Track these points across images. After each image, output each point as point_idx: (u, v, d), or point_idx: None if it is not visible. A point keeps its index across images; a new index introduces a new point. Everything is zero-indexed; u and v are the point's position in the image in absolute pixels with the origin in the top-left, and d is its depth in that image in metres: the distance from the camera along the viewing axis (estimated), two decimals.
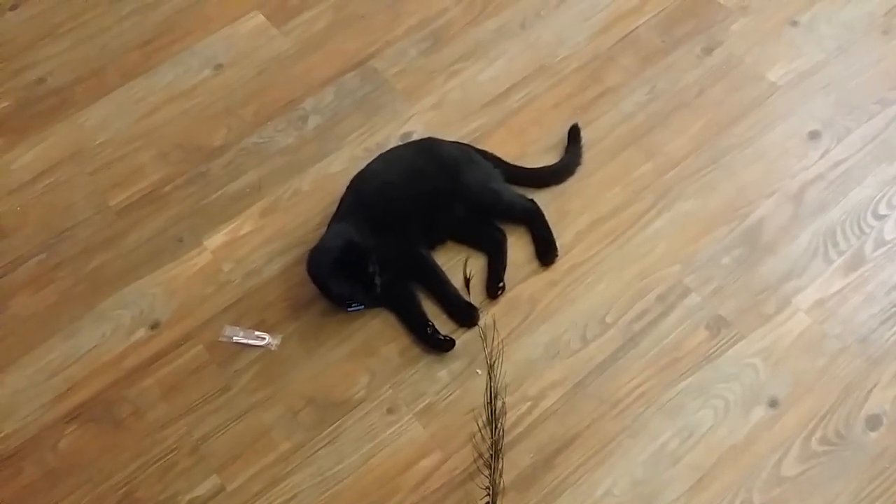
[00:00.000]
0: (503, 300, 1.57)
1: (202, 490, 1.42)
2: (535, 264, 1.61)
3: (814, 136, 1.72)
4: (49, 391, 1.56)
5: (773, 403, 1.42)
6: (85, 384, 1.56)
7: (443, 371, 1.50)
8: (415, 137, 1.78)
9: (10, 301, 1.68)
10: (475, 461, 1.38)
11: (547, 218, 1.64)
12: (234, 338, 1.58)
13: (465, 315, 1.56)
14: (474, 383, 1.48)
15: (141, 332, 1.61)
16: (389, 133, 1.82)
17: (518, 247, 1.63)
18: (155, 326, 1.62)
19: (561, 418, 1.43)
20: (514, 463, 1.39)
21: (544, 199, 1.67)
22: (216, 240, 1.72)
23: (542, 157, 1.74)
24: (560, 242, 1.62)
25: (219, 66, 1.97)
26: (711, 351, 1.48)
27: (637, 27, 1.91)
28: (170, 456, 1.46)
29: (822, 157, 1.70)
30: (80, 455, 1.48)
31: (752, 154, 1.71)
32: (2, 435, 1.51)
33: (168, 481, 1.43)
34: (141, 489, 1.43)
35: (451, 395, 1.48)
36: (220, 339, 1.58)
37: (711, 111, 1.78)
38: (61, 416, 1.52)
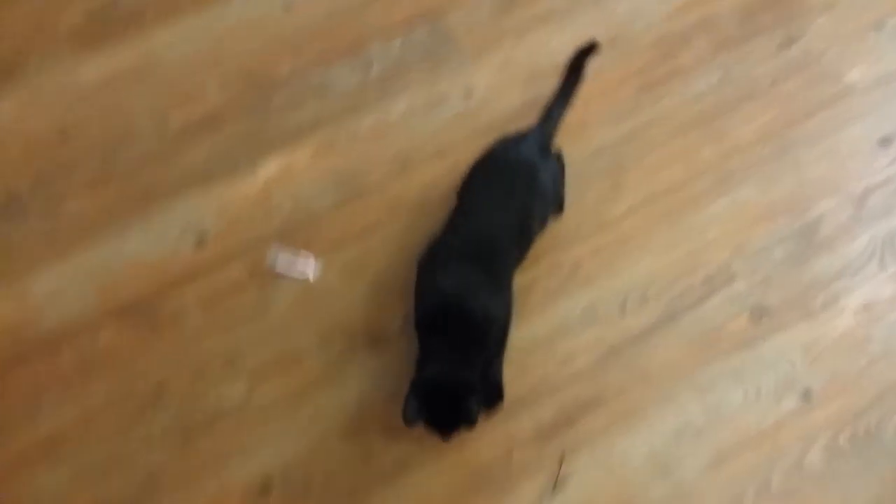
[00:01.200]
0: (545, 261, 1.61)
1: (230, 398, 1.49)
2: (583, 229, 1.65)
3: (885, 142, 1.73)
4: (94, 288, 1.64)
5: (807, 396, 1.44)
6: (128, 286, 1.63)
7: None
8: (475, 96, 1.83)
9: (66, 199, 1.76)
10: None
11: (600, 187, 1.69)
12: (277, 264, 1.65)
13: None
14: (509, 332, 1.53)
15: (187, 246, 1.68)
16: (450, 89, 1.86)
17: (567, 212, 1.67)
18: (201, 242, 1.69)
19: (589, 380, 1.48)
20: (536, 415, 1.44)
21: (600, 168, 1.72)
22: (269, 168, 1.78)
23: (602, 129, 1.78)
24: (612, 214, 1.67)
25: (290, 4, 2.04)
26: (751, 337, 1.51)
27: (717, 11, 1.93)
28: (203, 364, 1.53)
29: (891, 163, 1.71)
30: (117, 351, 1.56)
31: (820, 152, 1.73)
32: (45, 322, 1.59)
33: (199, 387, 1.50)
34: (172, 390, 1.50)
35: None
36: (264, 261, 1.65)
37: (783, 104, 1.80)
38: (103, 314, 1.60)
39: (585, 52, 1.62)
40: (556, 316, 1.55)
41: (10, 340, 1.58)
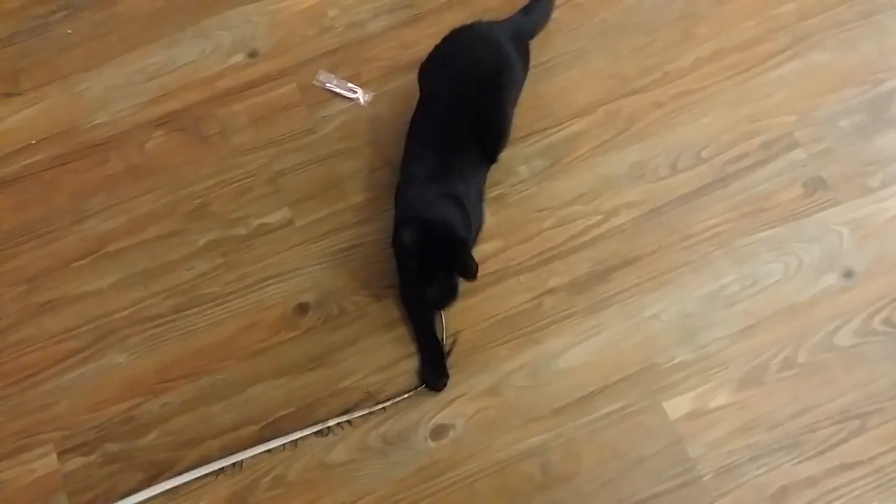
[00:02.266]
0: (600, 111, 1.49)
1: (272, 219, 1.44)
2: (644, 79, 1.51)
3: None
4: (143, 93, 1.56)
5: (848, 274, 1.36)
6: (178, 94, 1.56)
7: (523, 166, 1.46)
8: None
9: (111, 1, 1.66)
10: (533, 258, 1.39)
11: (668, 35, 1.53)
12: (328, 84, 1.55)
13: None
14: (551, 185, 1.44)
15: (239, 58, 1.58)
16: None
17: (630, 59, 1.53)
18: (253, 55, 1.58)
19: (628, 238, 1.40)
20: (572, 267, 1.38)
21: (672, 14, 1.54)
22: None
23: None
24: (677, 66, 1.51)
25: None
26: (801, 209, 1.40)
27: None
28: (248, 180, 1.47)
29: None
30: (164, 159, 1.50)
31: None
32: (94, 123, 1.53)
33: (242, 203, 1.45)
34: (216, 203, 1.46)
35: (525, 190, 1.44)
36: (313, 82, 1.55)
37: None
38: (152, 120, 1.53)
39: None
40: (604, 169, 1.44)
41: (62, 140, 1.53)
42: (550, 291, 1.37)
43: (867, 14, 1.54)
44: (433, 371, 1.32)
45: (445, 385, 1.31)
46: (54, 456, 1.28)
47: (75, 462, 1.28)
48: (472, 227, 1.33)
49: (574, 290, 1.36)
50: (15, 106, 1.57)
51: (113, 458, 1.28)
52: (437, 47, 1.44)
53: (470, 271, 1.25)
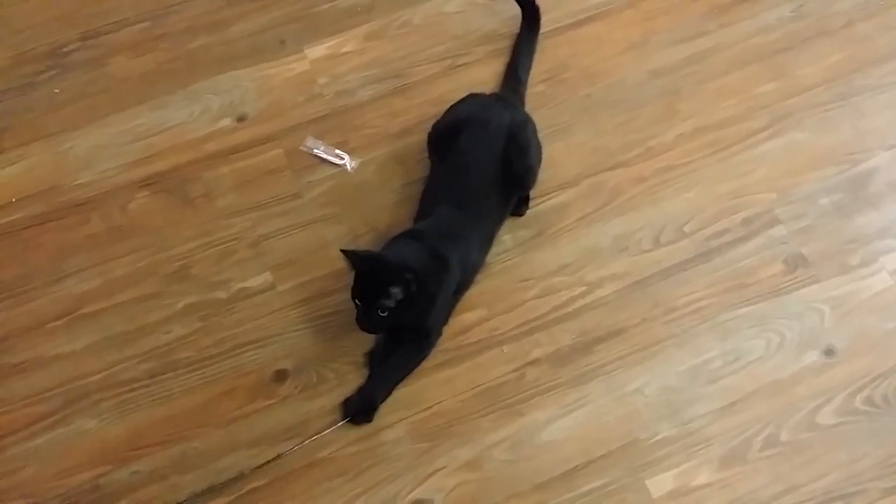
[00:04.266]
0: (585, 183, 1.52)
1: (254, 283, 1.44)
2: (629, 153, 1.54)
3: None
4: (129, 154, 1.57)
5: (829, 352, 1.37)
6: (164, 156, 1.57)
7: (507, 236, 1.48)
8: None
9: (110, 60, 1.68)
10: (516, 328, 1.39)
11: (652, 110, 1.58)
12: (315, 150, 1.57)
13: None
14: (536, 255, 1.46)
15: (227, 122, 1.61)
16: None
17: (614, 134, 1.57)
18: (242, 119, 1.61)
19: (612, 310, 1.41)
20: (555, 339, 1.38)
21: (655, 91, 1.59)
22: (317, 51, 1.68)
23: (664, 50, 1.65)
24: (660, 141, 1.55)
25: None
26: (782, 286, 1.42)
27: None
28: (231, 244, 1.48)
29: None
30: (146, 221, 1.51)
31: (886, 101, 1.59)
32: (77, 183, 1.54)
33: (224, 266, 1.46)
34: (197, 267, 1.46)
35: (509, 260, 1.46)
36: (300, 147, 1.57)
37: (855, 46, 1.64)
38: (136, 181, 1.54)
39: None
40: (589, 241, 1.46)
41: (44, 199, 1.53)
42: (534, 362, 1.37)
43: (845, 96, 1.60)
44: (361, 404, 1.32)
45: (367, 421, 1.32)
46: None
47: None
48: (445, 268, 1.32)
49: (557, 362, 1.37)
50: (4, 161, 1.58)
51: None
52: (448, 112, 1.49)
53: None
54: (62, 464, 1.29)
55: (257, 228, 1.49)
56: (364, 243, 1.47)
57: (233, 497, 1.26)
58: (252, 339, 1.39)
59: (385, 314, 1.25)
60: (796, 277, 1.43)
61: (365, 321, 1.28)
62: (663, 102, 1.59)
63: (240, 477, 1.27)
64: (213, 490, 1.26)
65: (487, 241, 1.44)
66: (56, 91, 1.64)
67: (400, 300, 1.24)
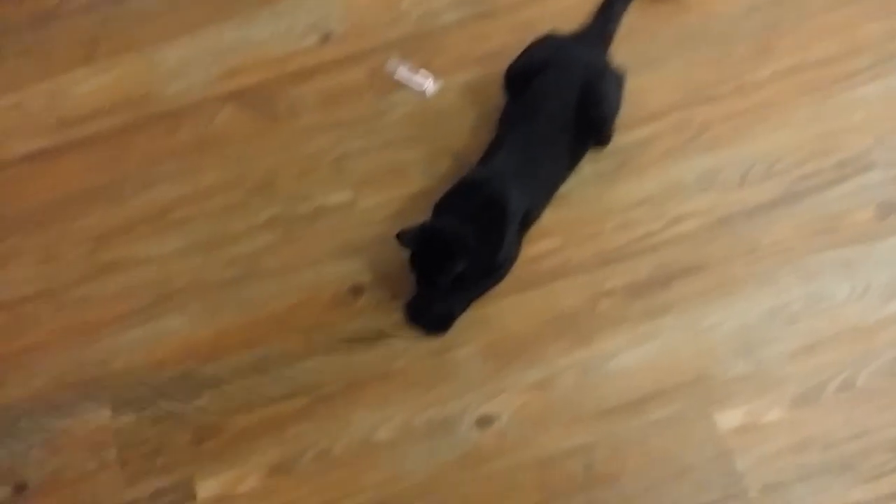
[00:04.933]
0: (672, 117, 1.53)
1: (334, 199, 1.51)
2: (720, 89, 1.54)
3: None
4: (216, 67, 1.65)
5: None
6: (250, 71, 1.64)
7: (589, 166, 1.50)
8: None
9: None
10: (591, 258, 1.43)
11: (747, 47, 1.57)
12: (398, 71, 1.61)
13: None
14: (617, 187, 1.48)
15: (312, 39, 1.66)
16: None
17: (706, 68, 1.57)
18: (326, 38, 1.66)
19: (693, 246, 1.43)
20: (633, 270, 1.42)
21: (751, 27, 1.59)
22: None
23: None
24: (754, 77, 1.55)
25: None
26: (873, 232, 1.42)
27: None
28: (313, 160, 1.55)
29: None
30: (232, 133, 1.59)
31: None
32: (167, 93, 1.63)
33: (306, 181, 1.53)
34: (280, 180, 1.53)
35: (589, 190, 1.48)
36: (383, 67, 1.62)
37: None
38: (223, 94, 1.62)
39: None
40: (672, 175, 1.48)
41: (134, 108, 1.63)
42: (607, 293, 1.40)
43: None
44: (439, 315, 1.40)
45: (443, 332, 1.39)
46: (108, 411, 1.36)
47: (127, 418, 1.36)
48: (512, 211, 1.37)
49: (632, 294, 1.40)
50: (91, 71, 1.67)
51: (164, 417, 1.35)
52: (524, 53, 1.51)
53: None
54: (151, 358, 1.40)
55: (338, 146, 1.56)
56: (441, 167, 1.52)
57: (309, 399, 1.35)
58: (331, 253, 1.46)
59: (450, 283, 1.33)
60: (888, 224, 1.43)
61: (428, 295, 1.38)
62: (760, 37, 1.58)
63: (316, 382, 1.37)
64: (292, 392, 1.36)
65: (552, 187, 1.46)
66: (147, 2, 1.73)
67: (462, 268, 1.32)
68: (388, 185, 1.52)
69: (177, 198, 1.52)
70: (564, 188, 1.48)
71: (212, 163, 1.56)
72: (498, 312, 1.40)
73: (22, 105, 1.65)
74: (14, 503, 1.32)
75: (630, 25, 1.60)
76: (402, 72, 1.61)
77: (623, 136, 1.52)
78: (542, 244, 1.45)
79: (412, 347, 1.38)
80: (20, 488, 1.33)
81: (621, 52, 1.57)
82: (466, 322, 1.40)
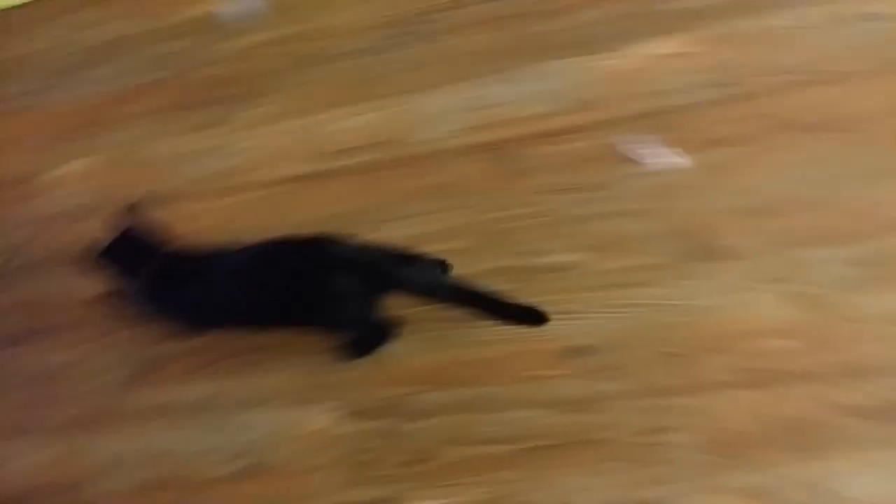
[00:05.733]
0: None
1: (565, 258, 1.47)
2: None
3: None
4: (469, 120, 1.69)
5: None
6: (500, 127, 1.66)
7: (843, 269, 1.34)
8: None
9: (470, 31, 1.81)
10: None
11: None
12: (638, 146, 1.57)
13: None
14: (871, 296, 1.30)
15: (569, 103, 1.66)
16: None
17: None
18: (583, 103, 1.65)
19: None
20: (882, 388, 1.23)
21: None
22: (652, 48, 1.68)
23: None
24: None
25: None
26: None
27: None
28: (547, 218, 1.53)
29: None
30: (474, 182, 1.61)
31: None
32: (419, 138, 1.68)
33: (539, 238, 1.51)
34: (514, 233, 1.53)
35: (839, 293, 1.33)
36: (620, 140, 1.58)
37: None
38: (471, 145, 1.65)
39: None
40: None
41: (388, 148, 1.69)
42: (847, 409, 1.25)
43: None
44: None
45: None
46: (338, 415, 1.40)
47: (354, 426, 1.39)
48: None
49: (877, 416, 1.24)
50: (353, 111, 1.76)
51: (383, 433, 1.38)
52: None
53: None
54: (379, 376, 1.43)
55: (572, 209, 1.53)
56: (672, 244, 1.44)
57: (516, 448, 1.33)
58: (556, 309, 1.43)
59: None
60: None
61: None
62: None
63: (524, 433, 1.33)
64: (500, 438, 1.34)
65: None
66: (416, 53, 1.80)
67: None
68: (618, 254, 1.48)
69: (417, 234, 1.55)
70: (816, 289, 1.34)
71: (450, 207, 1.58)
72: (720, 404, 1.31)
73: (293, 132, 1.76)
74: (242, 479, 1.39)
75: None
76: (645, 145, 1.57)
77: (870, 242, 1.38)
78: (777, 342, 1.33)
79: (625, 421, 1.32)
80: (251, 467, 1.40)
81: None
82: (683, 407, 1.31)
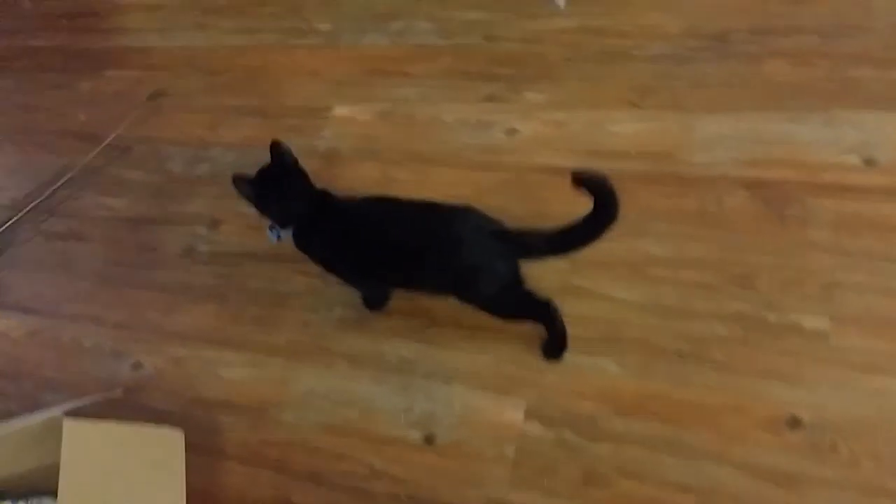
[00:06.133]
0: None
1: (808, 322, 1.41)
2: None
3: None
4: (745, 152, 1.63)
5: None
6: (776, 167, 1.60)
7: None
8: None
9: (767, 60, 1.75)
10: None
11: None
12: None
13: None
14: None
15: (853, 158, 1.56)
16: None
17: None
18: (870, 162, 1.55)
19: None
20: None
21: None
22: None
23: None
24: None
25: None
26: None
27: None
28: (803, 275, 1.46)
29: None
30: (734, 218, 1.56)
31: None
32: (689, 160, 1.66)
33: (787, 293, 1.45)
34: (761, 281, 1.47)
35: None
36: None
37: None
38: (742, 179, 1.60)
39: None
40: None
41: (656, 161, 1.68)
42: None
43: None
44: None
45: None
46: (522, 414, 1.44)
47: (535, 428, 1.42)
48: None
49: None
50: (633, 116, 1.77)
51: (564, 445, 1.39)
52: None
53: None
54: (576, 387, 1.44)
55: (837, 273, 1.44)
56: None
57: (700, 500, 1.29)
58: (783, 373, 1.37)
59: None
60: None
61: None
62: None
63: (714, 488, 1.30)
64: (686, 486, 1.31)
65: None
66: (707, 71, 1.77)
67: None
68: (870, 334, 1.37)
69: (660, 256, 1.54)
70: None
71: (704, 238, 1.55)
72: None
73: (565, 124, 1.80)
74: (417, 446, 1.47)
75: None
76: None
77: None
78: None
79: None
80: (429, 440, 1.47)
81: None
82: None
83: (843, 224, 1.50)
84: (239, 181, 1.45)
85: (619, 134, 1.74)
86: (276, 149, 1.47)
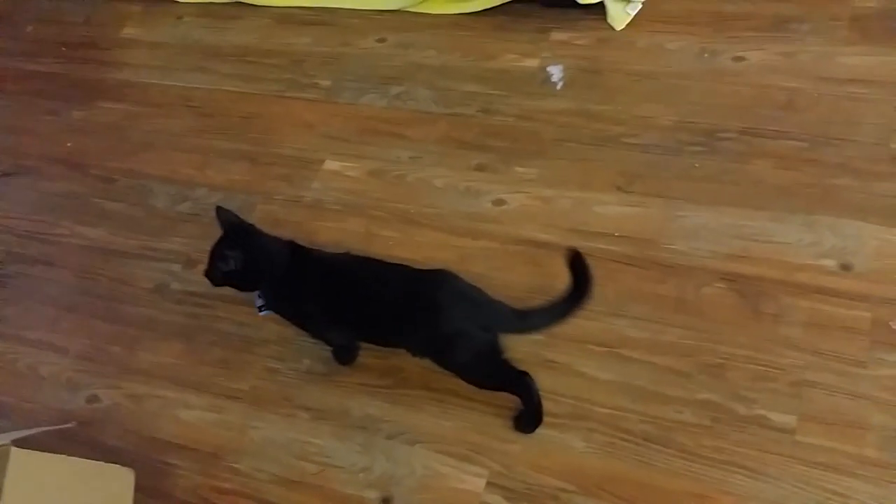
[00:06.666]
0: None
1: (776, 418, 1.45)
2: None
3: None
4: (727, 245, 1.70)
5: None
6: (755, 263, 1.66)
7: None
8: None
9: (754, 161, 1.84)
10: None
11: None
12: None
13: None
14: None
15: (830, 263, 1.63)
16: None
17: None
18: (845, 268, 1.62)
19: None
20: None
21: None
22: None
23: None
24: None
25: None
26: None
27: None
28: (774, 371, 1.51)
29: None
30: (710, 309, 1.62)
31: None
32: (670, 247, 1.72)
33: (757, 387, 1.49)
34: (733, 373, 1.52)
35: None
36: (890, 322, 1.53)
37: None
38: (720, 271, 1.66)
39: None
40: None
41: (637, 245, 1.74)
42: None
43: None
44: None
45: None
46: (484, 482, 1.47)
47: (496, 499, 1.44)
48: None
49: None
50: (619, 199, 1.84)
51: None
52: None
53: None
54: (541, 460, 1.47)
55: (807, 372, 1.50)
56: None
57: None
58: (748, 466, 1.40)
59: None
60: None
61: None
62: None
63: None
64: None
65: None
66: (695, 165, 1.86)
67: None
68: (838, 435, 1.42)
69: (635, 338, 1.59)
70: None
71: (679, 324, 1.60)
72: None
73: (552, 200, 1.87)
74: None
75: None
76: None
77: None
78: None
79: None
80: (386, 501, 1.49)
81: None
82: None
83: (816, 324, 1.56)
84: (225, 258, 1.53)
85: (603, 215, 1.81)
86: (223, 215, 1.56)
